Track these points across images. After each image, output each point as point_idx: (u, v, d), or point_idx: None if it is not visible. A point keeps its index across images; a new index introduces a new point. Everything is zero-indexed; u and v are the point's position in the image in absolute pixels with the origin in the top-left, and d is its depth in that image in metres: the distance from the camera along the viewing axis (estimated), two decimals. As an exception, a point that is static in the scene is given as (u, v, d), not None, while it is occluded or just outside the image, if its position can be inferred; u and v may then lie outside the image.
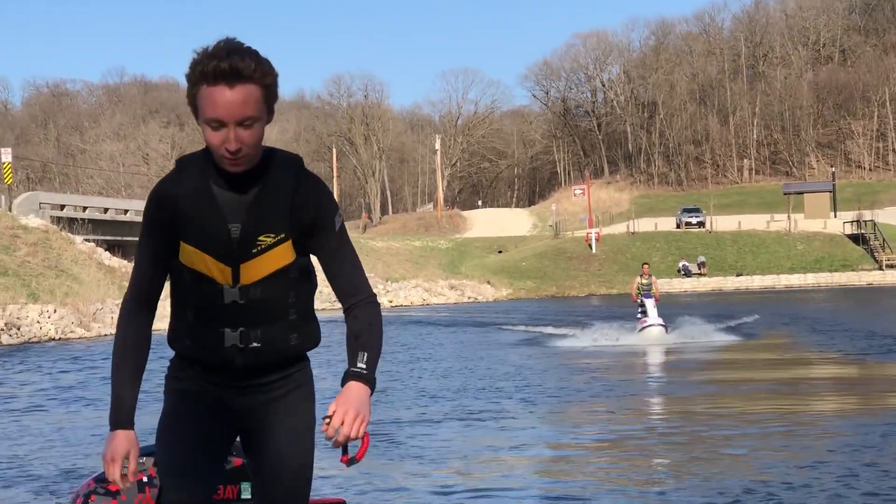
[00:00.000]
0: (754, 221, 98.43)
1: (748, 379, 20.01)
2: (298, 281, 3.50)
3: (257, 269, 3.40)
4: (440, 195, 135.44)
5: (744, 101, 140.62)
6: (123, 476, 3.43)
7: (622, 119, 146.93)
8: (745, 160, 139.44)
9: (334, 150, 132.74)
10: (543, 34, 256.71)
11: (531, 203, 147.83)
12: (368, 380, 3.35)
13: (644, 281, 30.32)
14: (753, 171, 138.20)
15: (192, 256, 3.41)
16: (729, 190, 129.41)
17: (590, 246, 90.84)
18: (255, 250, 3.37)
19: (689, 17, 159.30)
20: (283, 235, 3.39)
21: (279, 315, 3.49)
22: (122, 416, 3.47)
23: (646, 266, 31.90)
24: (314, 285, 3.63)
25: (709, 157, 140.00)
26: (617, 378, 20.84)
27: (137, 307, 3.56)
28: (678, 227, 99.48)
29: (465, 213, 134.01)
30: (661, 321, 28.86)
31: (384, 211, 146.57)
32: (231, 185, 3.37)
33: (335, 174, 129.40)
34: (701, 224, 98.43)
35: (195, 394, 3.64)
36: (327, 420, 3.21)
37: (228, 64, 3.15)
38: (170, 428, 3.65)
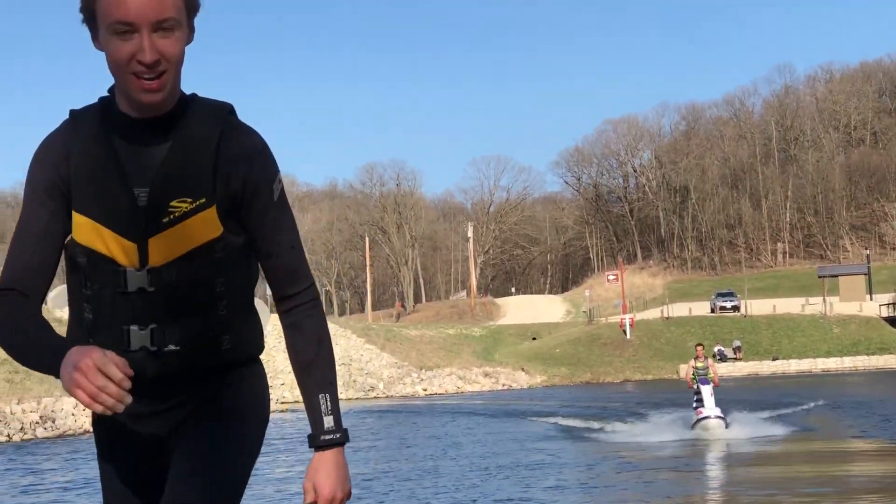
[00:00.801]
0: (789, 305, 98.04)
1: (805, 474, 19.00)
2: (230, 264, 2.73)
3: (171, 245, 2.64)
4: (473, 283, 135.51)
5: (776, 185, 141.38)
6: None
7: (654, 204, 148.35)
8: (779, 244, 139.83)
9: (367, 240, 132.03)
10: (574, 120, 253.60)
11: (564, 289, 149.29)
12: (342, 442, 2.76)
13: (699, 364, 27.27)
14: (787, 255, 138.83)
15: (86, 231, 2.65)
16: (763, 274, 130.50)
17: (624, 332, 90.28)
18: (166, 220, 2.61)
19: (719, 102, 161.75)
20: (203, 201, 2.63)
21: (204, 308, 2.72)
22: (63, 343, 2.49)
23: (700, 348, 28.50)
24: (254, 273, 2.89)
25: (742, 241, 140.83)
26: (658, 472, 19.64)
27: (15, 298, 2.63)
28: (713, 311, 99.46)
29: (499, 301, 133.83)
30: (718, 412, 25.82)
31: (417, 299, 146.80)
32: (138, 136, 2.64)
33: (368, 263, 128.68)
34: (735, 308, 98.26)
35: (120, 440, 2.89)
36: None
37: None
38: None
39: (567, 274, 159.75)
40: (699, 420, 25.54)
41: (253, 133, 2.74)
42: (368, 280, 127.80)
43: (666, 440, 24.88)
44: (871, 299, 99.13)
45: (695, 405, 26.45)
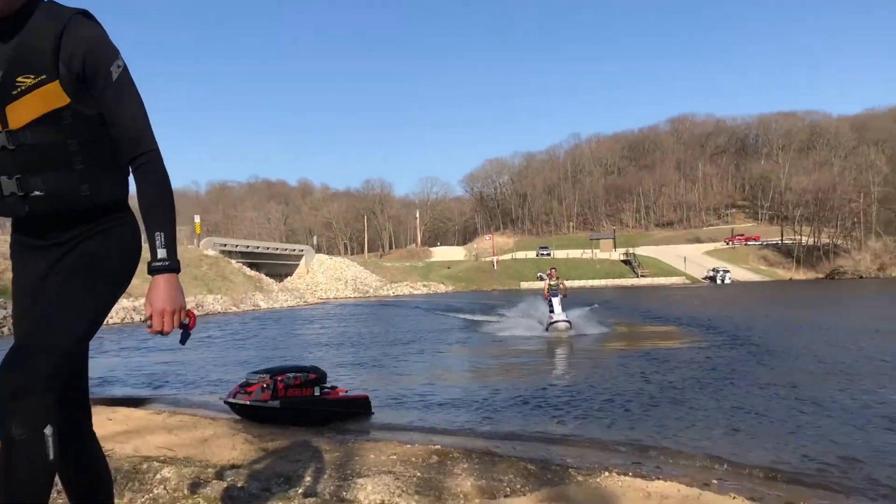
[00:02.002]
0: (575, 253, 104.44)
1: (610, 348, 15.67)
2: (80, 128, 2.12)
3: (22, 111, 2.08)
4: (419, 239, 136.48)
5: (570, 194, 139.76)
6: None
7: (510, 201, 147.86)
8: (571, 223, 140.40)
9: (365, 217, 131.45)
10: (470, 158, 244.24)
11: (465, 243, 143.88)
12: (172, 268, 2.14)
13: (552, 282, 20.70)
14: (575, 228, 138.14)
15: None
16: (563, 237, 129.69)
17: (493, 265, 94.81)
18: (15, 92, 2.06)
19: (542, 152, 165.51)
20: (44, 77, 2.06)
21: (59, 163, 2.12)
22: None
23: (553, 270, 21.49)
24: (113, 137, 2.18)
25: (553, 221, 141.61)
26: (519, 348, 16.27)
27: None
28: (538, 256, 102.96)
29: (432, 249, 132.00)
30: (564, 317, 19.92)
31: (391, 247, 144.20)
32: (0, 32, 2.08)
33: (366, 228, 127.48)
34: (549, 254, 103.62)
35: (17, 266, 2.30)
36: (148, 323, 2.12)
37: None
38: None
39: (466, 235, 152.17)
40: (552, 323, 19.91)
41: (94, 26, 2.13)
42: (366, 237, 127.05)
43: (530, 335, 19.45)
44: (616, 250, 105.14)
45: (550, 313, 20.33)
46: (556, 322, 19.68)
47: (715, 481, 5.35)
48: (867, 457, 6.16)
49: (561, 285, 20.62)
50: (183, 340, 2.24)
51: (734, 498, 4.58)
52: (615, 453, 6.44)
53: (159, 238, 2.15)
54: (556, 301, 20.22)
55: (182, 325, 2.20)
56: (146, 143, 2.18)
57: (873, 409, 8.18)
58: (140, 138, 2.17)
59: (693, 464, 6.00)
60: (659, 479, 5.09)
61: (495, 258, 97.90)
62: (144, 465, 4.45)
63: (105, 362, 14.97)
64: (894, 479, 5.54)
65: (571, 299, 20.17)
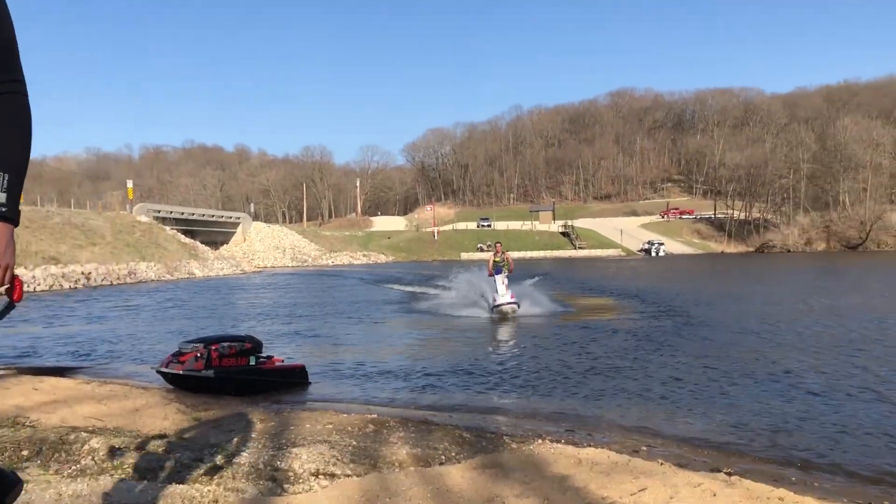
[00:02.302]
0: (515, 224, 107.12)
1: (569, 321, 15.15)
2: None
3: None
4: (359, 209, 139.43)
5: (511, 168, 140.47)
6: None
7: (452, 172, 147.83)
8: (512, 194, 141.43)
9: (304, 185, 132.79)
10: (414, 126, 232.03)
11: (406, 213, 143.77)
12: (8, 217, 1.79)
13: (497, 258, 17.70)
14: (514, 200, 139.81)
15: None
16: (503, 209, 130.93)
17: (434, 236, 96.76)
18: None
19: (484, 122, 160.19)
20: None
21: None
22: None
23: (499, 244, 18.64)
24: None
25: (494, 192, 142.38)
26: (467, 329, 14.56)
27: None
28: (478, 227, 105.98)
29: (372, 218, 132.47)
30: (510, 298, 17.12)
31: (330, 216, 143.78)
32: None
33: (305, 196, 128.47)
34: (489, 225, 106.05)
35: None
36: None
37: None
38: None
39: (407, 206, 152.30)
40: (496, 305, 17.18)
41: None
42: (305, 205, 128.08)
43: (473, 315, 17.28)
44: (554, 222, 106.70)
45: (494, 292, 17.62)
46: (500, 305, 17.36)
47: (644, 448, 5.51)
48: (786, 426, 6.39)
49: (507, 259, 18.11)
50: (1, 315, 1.87)
51: (662, 464, 4.74)
52: (548, 422, 6.58)
53: (2, 179, 1.81)
54: (500, 279, 17.68)
55: (6, 294, 1.83)
56: (8, 71, 1.85)
57: (787, 381, 8.41)
58: (1, 63, 1.84)
59: (623, 432, 6.19)
60: (590, 446, 5.25)
61: (436, 229, 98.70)
62: (72, 436, 4.43)
63: (31, 331, 14.79)
64: (810, 448, 5.75)
65: (513, 271, 18.62)
